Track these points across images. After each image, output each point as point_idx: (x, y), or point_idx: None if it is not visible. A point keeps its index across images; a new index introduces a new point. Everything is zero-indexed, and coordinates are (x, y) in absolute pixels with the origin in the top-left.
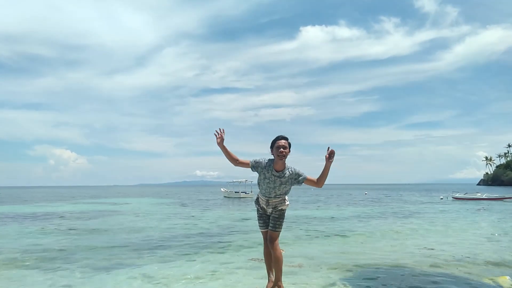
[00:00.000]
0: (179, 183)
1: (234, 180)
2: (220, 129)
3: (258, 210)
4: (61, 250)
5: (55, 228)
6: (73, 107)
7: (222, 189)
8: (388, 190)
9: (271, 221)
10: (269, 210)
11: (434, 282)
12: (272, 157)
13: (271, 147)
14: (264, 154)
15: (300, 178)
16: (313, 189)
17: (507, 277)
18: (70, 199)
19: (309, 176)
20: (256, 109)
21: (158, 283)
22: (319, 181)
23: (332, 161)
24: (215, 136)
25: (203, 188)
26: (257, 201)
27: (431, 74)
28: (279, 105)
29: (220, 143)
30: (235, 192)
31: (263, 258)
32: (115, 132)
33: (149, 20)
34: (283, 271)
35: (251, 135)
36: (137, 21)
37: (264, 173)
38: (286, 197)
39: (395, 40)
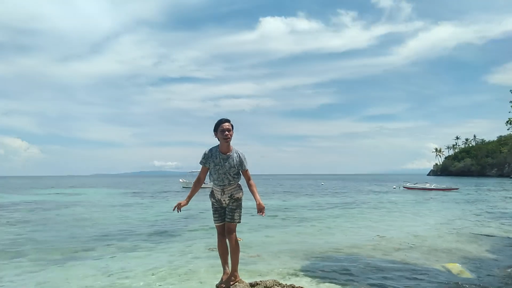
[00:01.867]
0: (137, 174)
1: (193, 171)
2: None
3: (213, 204)
4: (11, 243)
5: (6, 221)
6: (24, 95)
7: (180, 180)
8: (344, 181)
9: (228, 213)
10: (226, 201)
11: (386, 268)
12: (212, 146)
13: (215, 130)
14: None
15: (241, 167)
16: (271, 179)
17: (457, 264)
18: (21, 190)
19: (248, 173)
20: (216, 99)
21: (114, 276)
22: (248, 186)
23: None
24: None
25: (161, 179)
26: (212, 194)
27: (386, 68)
28: (239, 95)
29: (186, 204)
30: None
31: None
32: (70, 121)
33: (105, 6)
34: (241, 261)
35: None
36: (93, 6)
37: (213, 161)
38: (241, 184)
39: (352, 33)
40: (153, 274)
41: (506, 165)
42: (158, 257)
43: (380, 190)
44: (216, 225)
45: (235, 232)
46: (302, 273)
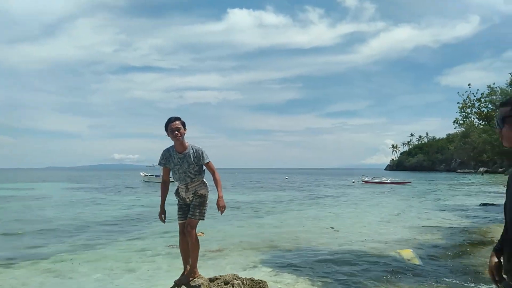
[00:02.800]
0: (95, 166)
1: (155, 164)
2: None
3: (178, 202)
4: None
5: None
6: None
7: (141, 173)
8: (307, 175)
9: (191, 209)
10: (190, 198)
11: (343, 258)
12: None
13: (166, 129)
14: (188, 138)
15: (200, 161)
16: (236, 173)
17: (410, 250)
18: None
19: (211, 165)
20: (180, 90)
21: (65, 275)
22: (213, 179)
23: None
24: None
25: (121, 172)
26: (176, 192)
27: (349, 66)
28: (204, 87)
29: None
30: (156, 176)
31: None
32: (20, 109)
33: None
34: (201, 256)
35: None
36: None
37: (172, 161)
38: (205, 180)
39: (318, 30)
40: (112, 273)
41: (453, 161)
42: (116, 254)
43: (340, 184)
44: (179, 223)
45: (195, 229)
46: (262, 266)
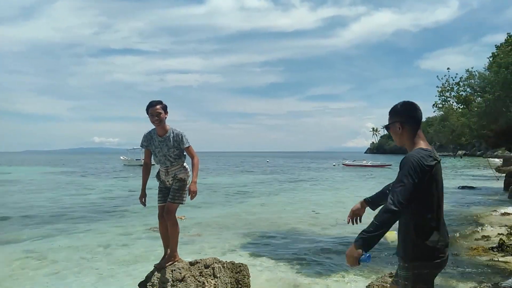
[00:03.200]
0: (75, 150)
1: (135, 147)
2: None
3: (159, 184)
4: None
5: None
6: None
7: (121, 157)
8: (289, 158)
9: (170, 193)
10: (169, 181)
11: (323, 242)
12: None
13: (147, 111)
14: (170, 121)
15: (181, 145)
16: (219, 157)
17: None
18: None
19: (191, 150)
20: (161, 73)
21: (44, 260)
22: (192, 163)
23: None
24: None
25: (101, 156)
26: (157, 175)
27: (331, 49)
28: (186, 70)
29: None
30: (136, 159)
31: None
32: None
33: None
34: (181, 240)
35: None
36: None
37: (153, 144)
38: (186, 165)
39: (300, 14)
40: (91, 257)
41: (432, 144)
42: (96, 238)
43: (321, 167)
44: (158, 205)
45: (174, 213)
46: (242, 249)
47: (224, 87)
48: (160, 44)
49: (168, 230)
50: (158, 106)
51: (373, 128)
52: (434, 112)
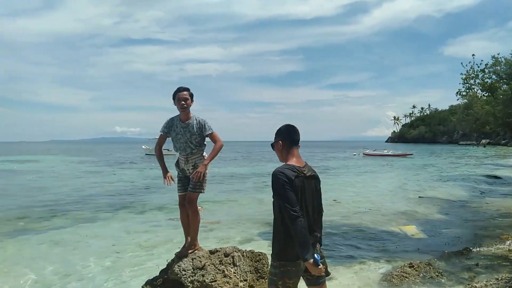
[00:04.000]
0: (97, 140)
1: (156, 137)
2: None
3: (178, 174)
4: None
5: None
6: None
7: (143, 147)
8: (307, 148)
9: (190, 183)
10: (190, 170)
11: (343, 232)
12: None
13: (173, 97)
14: (190, 110)
15: (204, 132)
16: (237, 146)
17: (414, 226)
18: None
19: (215, 135)
20: (181, 63)
21: (70, 247)
22: (214, 147)
23: (203, 170)
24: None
25: (123, 145)
26: (177, 164)
27: (351, 37)
28: (205, 60)
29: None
30: None
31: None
32: (19, 82)
33: None
34: (202, 228)
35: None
36: None
37: (174, 130)
38: (205, 154)
39: (319, 0)
40: (113, 245)
41: (455, 133)
42: (118, 227)
43: (341, 156)
44: (178, 195)
45: (195, 202)
46: (261, 238)
47: (242, 76)
48: (179, 33)
49: (189, 219)
50: (185, 92)
51: (394, 117)
52: (457, 100)
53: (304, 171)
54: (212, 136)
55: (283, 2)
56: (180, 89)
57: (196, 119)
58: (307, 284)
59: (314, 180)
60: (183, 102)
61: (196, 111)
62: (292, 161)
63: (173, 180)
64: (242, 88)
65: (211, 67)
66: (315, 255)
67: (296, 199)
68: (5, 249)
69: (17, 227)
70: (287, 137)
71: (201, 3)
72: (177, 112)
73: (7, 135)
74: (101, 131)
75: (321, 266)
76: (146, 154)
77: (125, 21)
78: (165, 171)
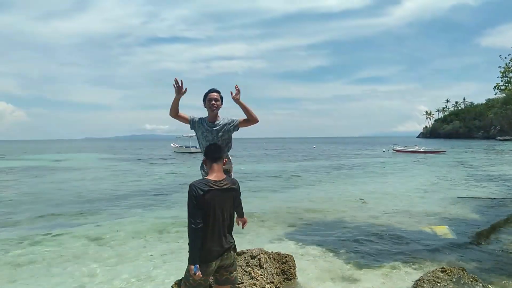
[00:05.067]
0: (128, 137)
1: (184, 135)
2: (179, 81)
3: (203, 176)
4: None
5: None
6: (4, 55)
7: (172, 144)
8: (336, 144)
9: None
10: None
11: (372, 232)
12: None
13: (204, 100)
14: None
15: (233, 122)
16: (264, 142)
17: (446, 227)
18: (8, 155)
19: (240, 118)
20: (207, 60)
21: (105, 242)
22: (249, 117)
23: (239, 97)
24: (175, 87)
25: (153, 143)
26: (202, 166)
27: (380, 29)
28: (231, 57)
29: (181, 94)
30: (186, 147)
31: None
32: (54, 82)
33: None
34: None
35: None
36: None
37: (201, 129)
38: (230, 157)
39: None
40: (146, 243)
41: (492, 128)
42: (151, 223)
43: (370, 153)
44: None
45: None
46: (287, 239)
47: (268, 72)
48: (205, 31)
49: None
50: (216, 94)
51: (426, 112)
52: (495, 94)
53: (221, 184)
54: (243, 121)
55: None
56: (211, 91)
57: (223, 119)
58: (214, 282)
59: (233, 191)
60: (213, 103)
61: (223, 108)
62: (212, 176)
63: (178, 84)
64: (268, 85)
65: (237, 64)
66: (196, 266)
67: (203, 211)
68: (44, 245)
69: (54, 222)
70: (208, 156)
71: None
72: (204, 114)
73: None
74: (132, 128)
75: (198, 273)
76: (174, 152)
77: (152, 20)
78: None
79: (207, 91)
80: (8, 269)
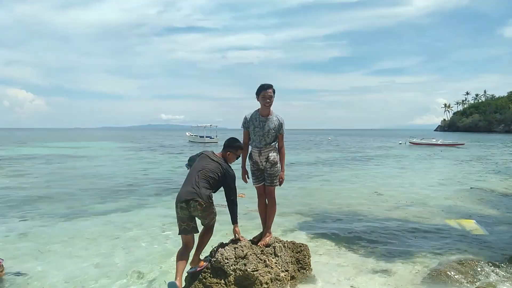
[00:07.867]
0: (144, 127)
1: (199, 125)
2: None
3: (251, 166)
4: (18, 197)
5: (12, 174)
6: (24, 44)
7: (187, 134)
8: (352, 136)
9: (267, 177)
10: (263, 163)
11: (387, 227)
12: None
13: (257, 94)
14: (232, 99)
15: (279, 130)
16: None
17: (473, 221)
18: (28, 143)
19: (283, 137)
20: (223, 50)
21: (122, 229)
22: (279, 152)
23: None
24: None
25: (168, 132)
26: (250, 156)
27: (400, 19)
28: (247, 47)
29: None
30: (200, 136)
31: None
32: (73, 72)
33: None
34: (243, 216)
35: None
36: None
37: (253, 123)
38: (277, 149)
39: None
40: (163, 232)
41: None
42: (167, 212)
43: (386, 145)
44: (255, 186)
45: (274, 194)
46: (302, 230)
47: (285, 63)
48: (221, 20)
49: (268, 209)
50: (270, 90)
51: (445, 104)
52: None
53: (208, 155)
54: (281, 137)
55: None
56: (264, 87)
57: (276, 116)
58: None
59: (201, 156)
60: (268, 100)
61: (239, 99)
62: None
63: (246, 181)
64: (284, 75)
65: (253, 54)
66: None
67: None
68: (62, 231)
69: (72, 209)
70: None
71: None
72: (247, 107)
73: (63, 122)
74: (148, 118)
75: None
76: (189, 141)
77: (168, 9)
78: (244, 171)
79: (260, 86)
80: (32, 248)
